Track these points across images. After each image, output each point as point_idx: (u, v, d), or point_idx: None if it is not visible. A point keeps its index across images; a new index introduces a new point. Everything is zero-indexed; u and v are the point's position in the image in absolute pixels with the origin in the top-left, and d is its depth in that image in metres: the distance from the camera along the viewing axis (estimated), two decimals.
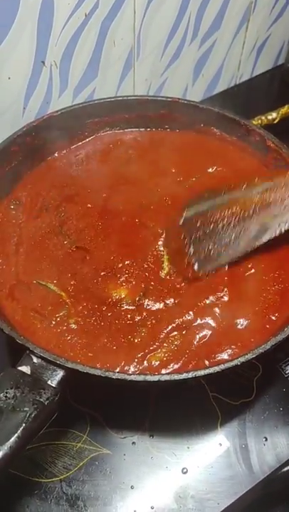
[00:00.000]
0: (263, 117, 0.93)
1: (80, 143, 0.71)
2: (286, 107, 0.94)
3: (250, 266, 0.59)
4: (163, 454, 0.55)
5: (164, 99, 0.71)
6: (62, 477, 0.53)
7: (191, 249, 0.55)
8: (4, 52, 0.68)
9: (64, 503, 0.52)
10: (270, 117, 0.93)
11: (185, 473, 0.54)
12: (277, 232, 0.55)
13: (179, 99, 0.70)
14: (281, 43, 1.04)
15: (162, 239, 0.61)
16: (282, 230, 0.54)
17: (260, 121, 0.92)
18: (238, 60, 0.99)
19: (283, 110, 0.94)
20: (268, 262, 0.59)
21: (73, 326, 0.54)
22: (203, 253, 0.55)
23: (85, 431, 0.56)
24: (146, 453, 0.55)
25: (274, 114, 0.93)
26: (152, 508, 0.52)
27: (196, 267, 0.54)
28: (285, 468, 0.55)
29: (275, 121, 0.93)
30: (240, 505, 0.54)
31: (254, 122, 0.91)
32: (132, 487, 0.53)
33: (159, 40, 0.84)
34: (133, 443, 0.55)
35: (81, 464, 0.54)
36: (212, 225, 0.55)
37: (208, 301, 0.56)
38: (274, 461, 0.55)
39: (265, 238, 0.55)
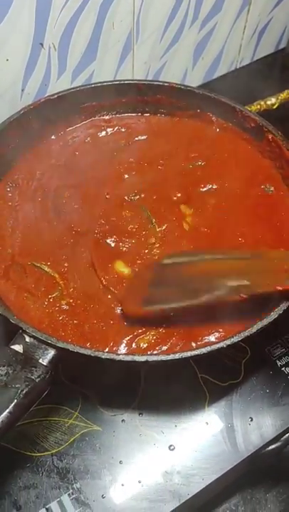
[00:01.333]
0: (262, 102, 0.93)
1: (77, 125, 0.72)
2: (285, 92, 0.94)
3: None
4: (151, 432, 0.57)
5: (160, 83, 0.71)
6: (53, 451, 0.55)
7: (148, 291, 0.56)
8: (2, 34, 0.68)
9: (55, 476, 0.54)
10: (269, 102, 0.93)
11: (172, 450, 0.56)
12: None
13: (175, 84, 0.70)
14: (283, 27, 1.03)
15: (155, 223, 0.62)
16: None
17: (259, 106, 0.92)
18: (238, 44, 0.99)
19: (283, 96, 0.94)
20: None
21: (65, 306, 0.56)
22: (156, 297, 0.55)
23: (77, 408, 0.58)
24: (135, 430, 0.57)
25: (273, 100, 0.93)
26: (140, 482, 0.54)
27: (142, 303, 0.55)
28: (269, 447, 0.57)
29: (274, 107, 0.93)
30: (224, 482, 0.56)
31: (253, 107, 0.92)
32: (120, 462, 0.55)
33: (159, 23, 0.83)
34: (122, 420, 0.57)
35: (72, 439, 0.56)
36: (179, 277, 0.56)
37: None
38: (258, 441, 0.57)
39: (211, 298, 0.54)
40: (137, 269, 0.58)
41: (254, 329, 0.50)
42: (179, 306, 0.54)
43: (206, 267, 0.56)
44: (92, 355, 0.48)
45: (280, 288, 0.50)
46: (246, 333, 0.49)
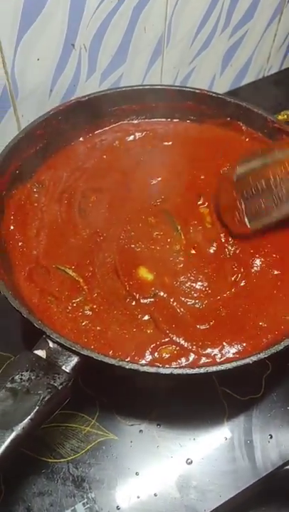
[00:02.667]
0: None
1: (106, 128, 0.71)
2: None
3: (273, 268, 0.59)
4: (169, 444, 0.56)
5: (192, 90, 0.70)
6: (69, 459, 0.55)
7: (243, 206, 0.57)
8: (34, 34, 0.68)
9: (70, 484, 0.53)
10: None
11: (189, 463, 0.55)
12: None
13: (206, 91, 0.70)
14: None
15: (180, 230, 0.61)
16: None
17: (285, 116, 0.92)
18: (267, 53, 0.98)
19: None
20: None
21: (88, 312, 0.55)
22: (254, 209, 0.57)
23: (94, 415, 0.57)
24: (152, 441, 0.56)
25: None
26: (156, 495, 0.53)
27: (247, 222, 0.56)
28: (288, 466, 0.56)
29: None
30: (241, 499, 0.55)
31: (279, 117, 0.91)
32: (136, 473, 0.54)
33: (190, 28, 0.83)
34: (140, 431, 0.56)
35: (88, 447, 0.55)
36: (263, 182, 0.56)
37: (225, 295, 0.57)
38: (277, 459, 0.55)
39: None
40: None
41: (281, 346, 0.49)
42: (280, 216, 0.55)
43: (285, 165, 0.56)
44: (116, 364, 0.47)
45: None
46: (273, 350, 0.48)
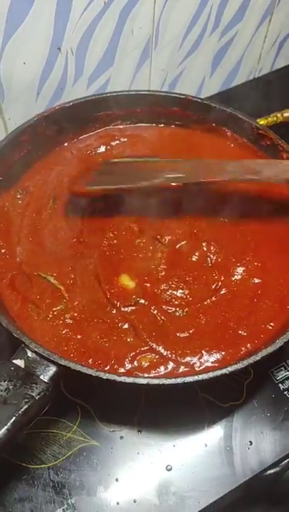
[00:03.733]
0: (279, 114, 0.92)
1: (91, 133, 0.72)
2: None
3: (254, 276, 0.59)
4: (149, 450, 0.56)
5: (176, 95, 0.70)
6: (50, 465, 0.55)
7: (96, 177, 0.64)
8: (21, 37, 0.68)
9: (50, 490, 0.54)
10: (286, 114, 0.92)
11: (169, 470, 0.55)
12: None
13: (191, 97, 0.70)
14: None
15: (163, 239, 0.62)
16: None
17: (275, 118, 0.91)
18: (258, 54, 0.97)
19: None
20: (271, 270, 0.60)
21: (69, 320, 0.55)
22: (100, 181, 0.63)
23: (76, 422, 0.58)
24: (133, 448, 0.56)
25: None
26: (135, 501, 0.54)
27: (87, 184, 0.63)
28: (267, 473, 0.56)
29: None
30: (220, 505, 0.56)
31: (269, 119, 0.90)
32: (116, 480, 0.55)
33: (178, 31, 0.82)
34: (121, 437, 0.57)
35: (69, 453, 0.56)
36: (124, 169, 0.65)
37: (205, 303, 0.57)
38: (257, 466, 0.56)
39: None
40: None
41: (259, 356, 0.49)
42: (118, 188, 0.61)
43: (150, 165, 0.64)
44: (94, 374, 0.47)
45: (216, 179, 0.60)
46: (251, 361, 0.49)
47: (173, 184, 0.60)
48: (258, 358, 0.49)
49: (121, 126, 0.72)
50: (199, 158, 0.68)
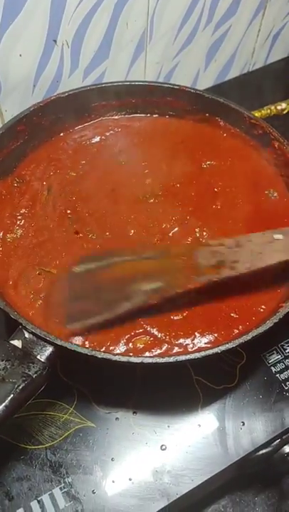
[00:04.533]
0: (273, 107, 0.93)
1: (86, 124, 0.73)
2: None
3: None
4: (144, 431, 0.58)
5: (170, 86, 0.71)
6: (47, 445, 0.56)
7: (70, 304, 0.55)
8: (16, 30, 0.69)
9: (47, 469, 0.55)
10: (279, 107, 0.94)
11: (164, 450, 0.57)
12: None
13: (185, 87, 0.71)
14: None
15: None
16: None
17: (269, 111, 0.93)
18: (252, 47, 0.99)
19: None
20: None
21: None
22: (76, 311, 0.54)
23: (72, 404, 0.59)
24: (128, 428, 0.58)
25: (283, 105, 0.94)
26: (130, 479, 0.55)
27: (66, 320, 0.54)
28: (259, 452, 0.58)
29: (284, 112, 0.94)
30: (213, 484, 0.57)
31: (263, 112, 0.92)
32: (112, 459, 0.56)
33: (173, 24, 0.84)
34: (116, 418, 0.58)
35: (66, 434, 0.57)
36: (93, 285, 0.55)
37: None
38: (249, 445, 0.57)
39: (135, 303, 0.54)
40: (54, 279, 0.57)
41: (249, 336, 0.51)
42: (102, 320, 0.53)
43: (119, 272, 0.55)
44: (89, 354, 0.48)
45: (191, 287, 0.52)
46: (241, 340, 0.50)
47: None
48: (248, 338, 0.50)
49: (116, 117, 0.73)
50: (167, 248, 0.60)
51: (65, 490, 0.54)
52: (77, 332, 0.54)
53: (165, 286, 0.53)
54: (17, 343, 0.50)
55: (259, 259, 0.55)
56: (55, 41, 0.74)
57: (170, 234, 0.63)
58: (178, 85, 0.71)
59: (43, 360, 0.49)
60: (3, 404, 0.45)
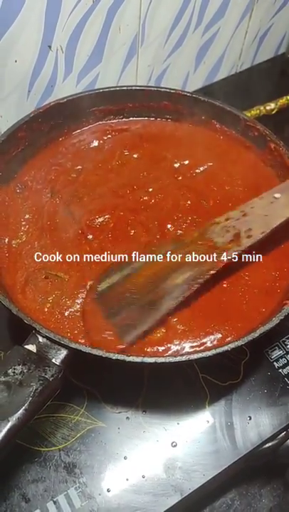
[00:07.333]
0: (262, 107, 0.95)
1: (84, 128, 0.74)
2: (284, 98, 0.96)
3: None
4: (154, 429, 0.59)
5: (167, 90, 0.72)
6: (60, 447, 0.57)
7: (111, 321, 0.54)
8: (12, 36, 0.70)
9: (62, 470, 0.56)
10: (268, 108, 0.96)
11: (174, 446, 0.58)
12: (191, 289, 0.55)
13: (181, 91, 0.72)
14: (283, 33, 1.05)
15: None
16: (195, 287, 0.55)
17: (258, 111, 0.95)
18: (239, 49, 1.01)
19: (282, 101, 0.96)
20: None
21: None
22: (123, 323, 0.54)
23: (83, 405, 0.60)
24: (138, 427, 0.59)
25: (272, 105, 0.96)
26: (143, 477, 0.56)
27: (120, 337, 0.53)
28: (266, 445, 0.60)
29: (273, 112, 0.96)
30: (223, 477, 0.59)
31: (252, 112, 0.94)
32: (124, 457, 0.57)
33: (164, 28, 0.85)
34: (127, 418, 0.59)
35: (78, 435, 0.58)
36: (126, 294, 0.55)
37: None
38: (256, 438, 0.59)
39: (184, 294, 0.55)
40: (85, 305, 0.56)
41: (257, 334, 0.52)
42: (153, 323, 0.54)
43: (146, 274, 0.55)
44: (104, 356, 0.50)
45: (221, 265, 0.54)
46: (250, 338, 0.52)
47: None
48: (256, 336, 0.52)
49: (113, 121, 0.74)
50: (181, 239, 0.60)
51: (80, 490, 0.55)
52: (134, 342, 0.54)
53: (197, 273, 0.53)
54: (31, 347, 0.51)
55: (269, 221, 0.56)
56: (49, 47, 0.75)
57: (170, 234, 0.64)
58: (174, 89, 0.72)
59: (58, 363, 0.50)
60: (23, 407, 0.46)
